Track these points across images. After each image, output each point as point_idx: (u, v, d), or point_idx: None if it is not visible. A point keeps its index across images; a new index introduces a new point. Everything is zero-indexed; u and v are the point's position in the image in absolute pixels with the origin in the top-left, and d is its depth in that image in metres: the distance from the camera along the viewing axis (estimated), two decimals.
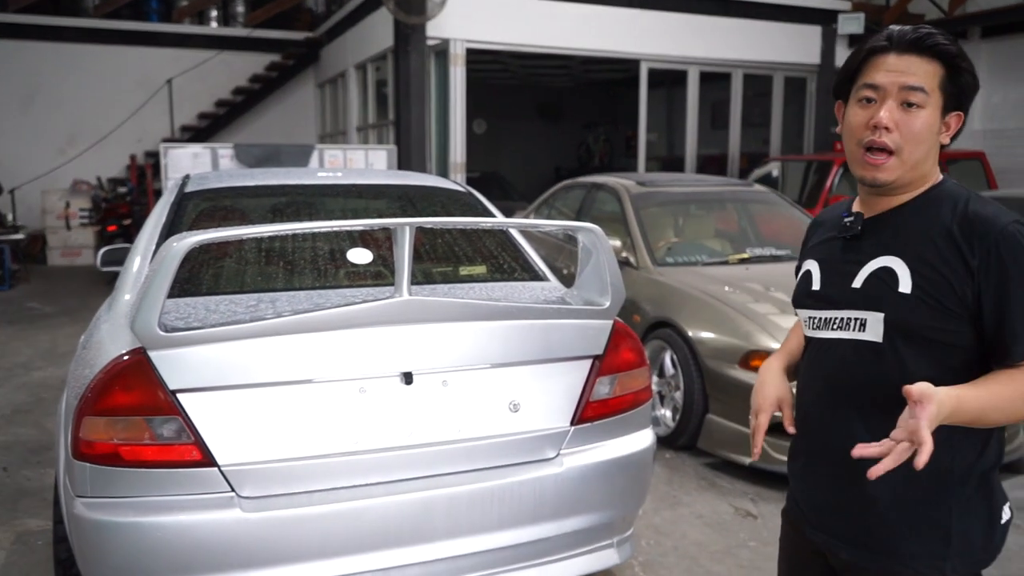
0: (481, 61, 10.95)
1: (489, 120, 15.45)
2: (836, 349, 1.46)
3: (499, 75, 13.66)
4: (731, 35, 10.62)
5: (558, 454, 2.34)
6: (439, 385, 2.23)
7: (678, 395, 4.28)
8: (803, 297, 1.56)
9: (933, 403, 1.20)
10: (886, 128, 1.36)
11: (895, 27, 1.41)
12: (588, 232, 2.37)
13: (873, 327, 1.40)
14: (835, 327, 1.47)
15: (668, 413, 4.40)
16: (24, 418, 4.87)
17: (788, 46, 10.92)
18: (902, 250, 1.39)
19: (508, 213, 5.23)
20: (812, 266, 1.55)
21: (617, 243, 4.98)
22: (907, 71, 1.36)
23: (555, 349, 2.36)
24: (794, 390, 1.61)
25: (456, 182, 3.58)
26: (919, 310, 1.35)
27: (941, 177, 1.45)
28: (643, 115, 10.66)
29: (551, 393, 2.36)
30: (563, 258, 5.52)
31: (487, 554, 2.25)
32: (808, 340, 1.56)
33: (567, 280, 2.89)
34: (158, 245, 2.61)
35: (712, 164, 11.46)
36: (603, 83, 14.89)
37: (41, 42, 12.40)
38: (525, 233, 3.26)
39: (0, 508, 3.60)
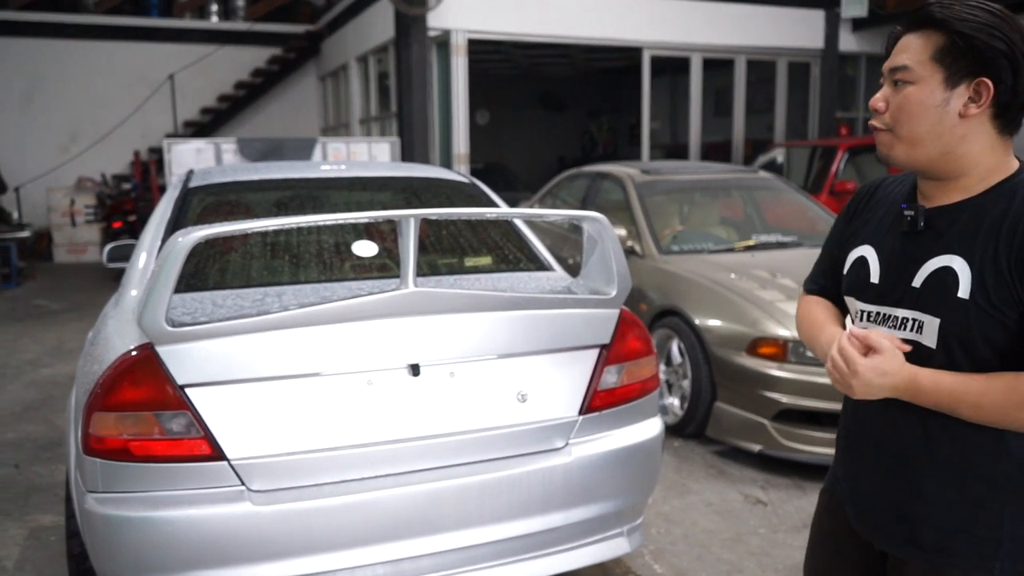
0: (483, 51, 10.91)
1: (492, 110, 15.43)
2: None
3: (501, 65, 13.62)
4: (734, 21, 10.56)
5: (567, 444, 2.34)
6: (446, 376, 2.23)
7: (686, 383, 4.28)
8: (858, 287, 1.48)
9: (888, 361, 1.29)
10: (876, 109, 1.38)
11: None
12: (593, 221, 2.37)
13: (929, 332, 1.33)
14: (891, 325, 1.40)
15: (676, 401, 4.40)
16: (34, 415, 4.89)
17: (791, 31, 10.87)
18: (965, 249, 1.31)
19: (512, 204, 5.22)
20: (868, 253, 1.46)
21: (622, 232, 4.97)
22: (898, 52, 1.36)
23: (562, 339, 2.36)
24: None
25: (460, 173, 3.58)
26: (977, 317, 1.28)
27: (1016, 167, 1.35)
28: (646, 103, 10.63)
29: (559, 383, 2.35)
30: (568, 248, 5.51)
31: (497, 544, 2.25)
32: None
33: (572, 270, 2.89)
34: (163, 240, 2.61)
35: (716, 151, 11.42)
36: (606, 71, 14.83)
37: (42, 39, 12.40)
38: (530, 223, 3.26)
39: (12, 504, 3.62)
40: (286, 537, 2.05)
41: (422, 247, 2.77)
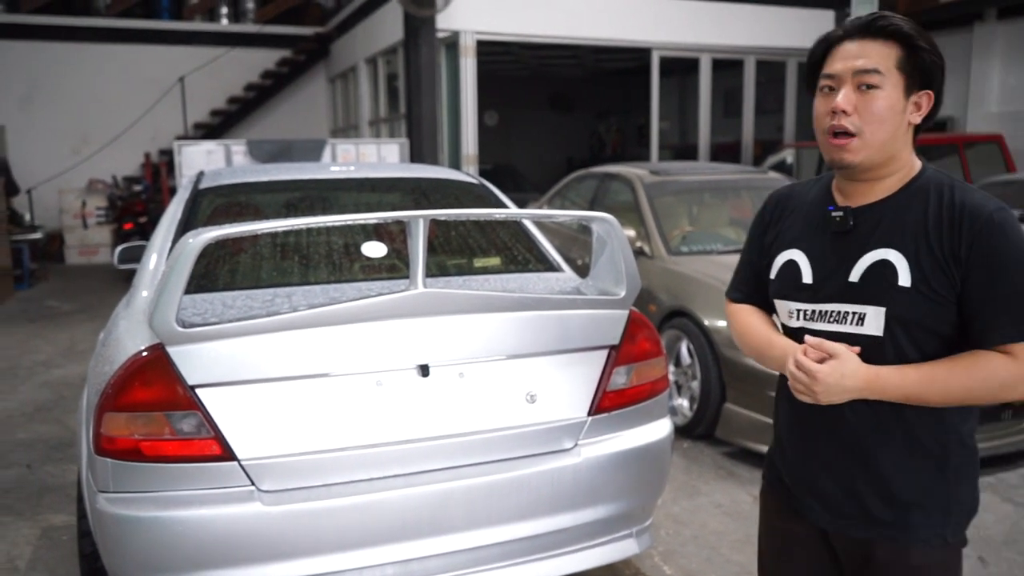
0: (492, 52, 10.92)
1: (501, 112, 15.43)
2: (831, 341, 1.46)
3: (510, 66, 13.62)
4: (743, 21, 10.53)
5: (575, 445, 2.34)
6: (456, 377, 2.23)
7: (695, 384, 4.27)
8: (790, 289, 1.54)
9: (845, 363, 1.38)
10: (844, 112, 1.41)
11: (853, 17, 1.47)
12: (602, 221, 2.36)
13: (873, 321, 1.42)
14: (830, 320, 1.48)
15: (685, 403, 4.39)
16: (46, 415, 4.92)
17: (801, 31, 10.82)
18: (898, 243, 1.41)
19: (521, 205, 5.22)
20: (797, 256, 1.54)
21: (631, 233, 4.97)
22: (860, 55, 1.41)
23: (571, 340, 2.36)
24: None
25: (469, 174, 3.58)
26: (919, 303, 1.39)
27: (921, 165, 1.48)
28: (655, 104, 10.61)
29: (568, 384, 2.35)
30: (577, 249, 5.50)
31: (506, 545, 2.25)
32: (790, 331, 1.56)
33: (581, 271, 2.89)
34: (174, 242, 2.62)
35: (726, 152, 11.39)
36: (615, 72, 14.82)
37: (54, 42, 12.48)
38: (539, 224, 3.26)
39: (25, 504, 3.64)
40: (295, 537, 2.05)
41: (431, 248, 2.77)
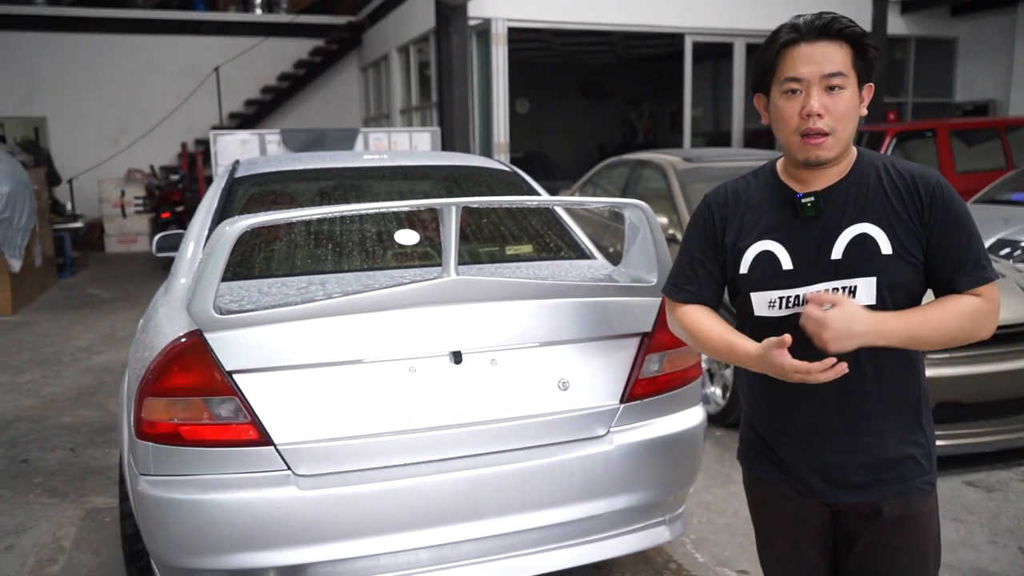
0: (523, 40, 10.89)
1: (532, 99, 15.39)
2: None
3: (541, 54, 13.57)
4: (777, 5, 10.31)
5: (608, 432, 2.34)
6: (488, 364, 2.24)
7: (728, 372, 4.24)
8: (770, 277, 1.57)
9: (848, 307, 1.44)
10: (818, 115, 1.48)
11: (799, 18, 1.52)
12: (635, 208, 2.35)
13: (865, 291, 1.51)
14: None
15: (718, 391, 4.36)
16: (88, 400, 5.05)
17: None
18: (871, 216, 1.52)
19: (553, 192, 5.21)
20: (771, 246, 1.58)
21: (664, 220, 4.94)
22: (824, 59, 1.48)
23: (603, 327, 2.35)
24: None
25: (500, 162, 3.58)
26: (902, 267, 1.51)
27: (854, 149, 1.60)
28: (688, 90, 10.51)
29: (600, 371, 2.35)
30: (608, 236, 5.48)
31: (538, 531, 2.26)
32: (775, 321, 1.57)
33: (613, 258, 2.88)
34: (211, 230, 2.66)
35: (760, 138, 11.21)
36: (647, 59, 14.69)
37: (93, 34, 12.71)
38: (570, 211, 3.25)
39: (69, 487, 3.74)
40: (330, 521, 2.08)
41: (463, 235, 2.78)
